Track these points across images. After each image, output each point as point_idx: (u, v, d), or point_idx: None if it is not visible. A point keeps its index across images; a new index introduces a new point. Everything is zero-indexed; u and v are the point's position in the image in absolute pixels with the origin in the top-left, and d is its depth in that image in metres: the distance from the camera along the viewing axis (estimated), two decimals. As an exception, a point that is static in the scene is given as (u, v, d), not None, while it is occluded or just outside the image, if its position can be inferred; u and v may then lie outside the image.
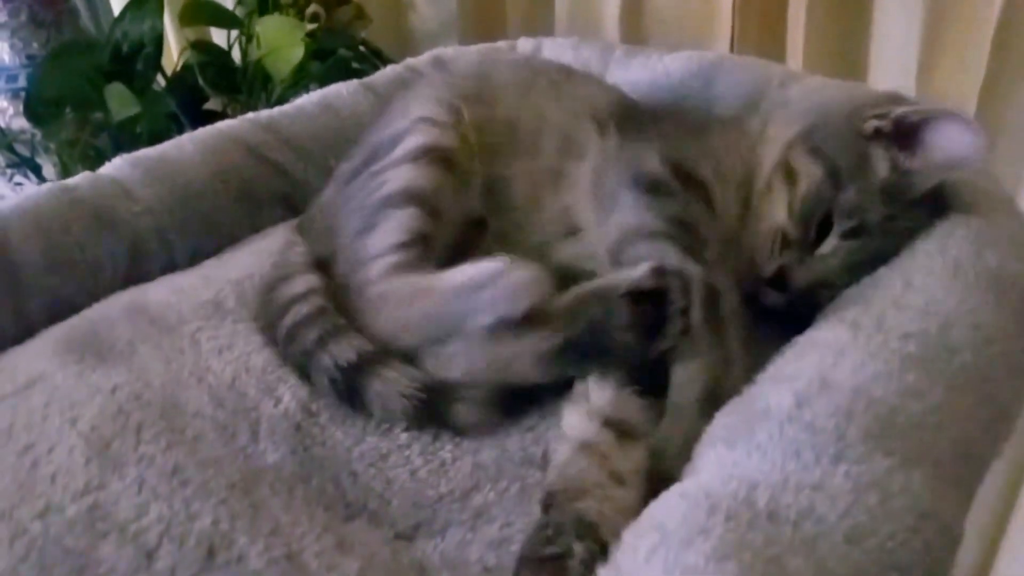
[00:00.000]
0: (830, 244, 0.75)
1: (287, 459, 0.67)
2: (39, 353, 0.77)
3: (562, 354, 0.67)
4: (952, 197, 0.78)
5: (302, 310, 0.75)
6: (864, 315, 0.66)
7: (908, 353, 0.60)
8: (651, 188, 0.77)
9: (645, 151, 0.80)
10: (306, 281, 0.78)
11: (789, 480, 0.52)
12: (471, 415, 0.68)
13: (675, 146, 0.82)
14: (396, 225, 0.76)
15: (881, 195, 0.74)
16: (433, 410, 0.69)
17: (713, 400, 0.62)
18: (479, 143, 0.86)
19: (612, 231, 0.75)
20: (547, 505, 0.58)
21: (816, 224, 0.76)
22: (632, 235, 0.73)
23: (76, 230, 0.88)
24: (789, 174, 0.79)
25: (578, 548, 0.54)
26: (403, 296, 0.70)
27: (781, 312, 0.77)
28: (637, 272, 0.66)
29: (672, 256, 0.69)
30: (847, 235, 0.75)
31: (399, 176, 0.79)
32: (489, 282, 0.66)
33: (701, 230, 0.74)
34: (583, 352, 0.67)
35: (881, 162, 0.76)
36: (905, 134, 0.76)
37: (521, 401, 0.71)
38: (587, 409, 0.66)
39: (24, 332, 0.82)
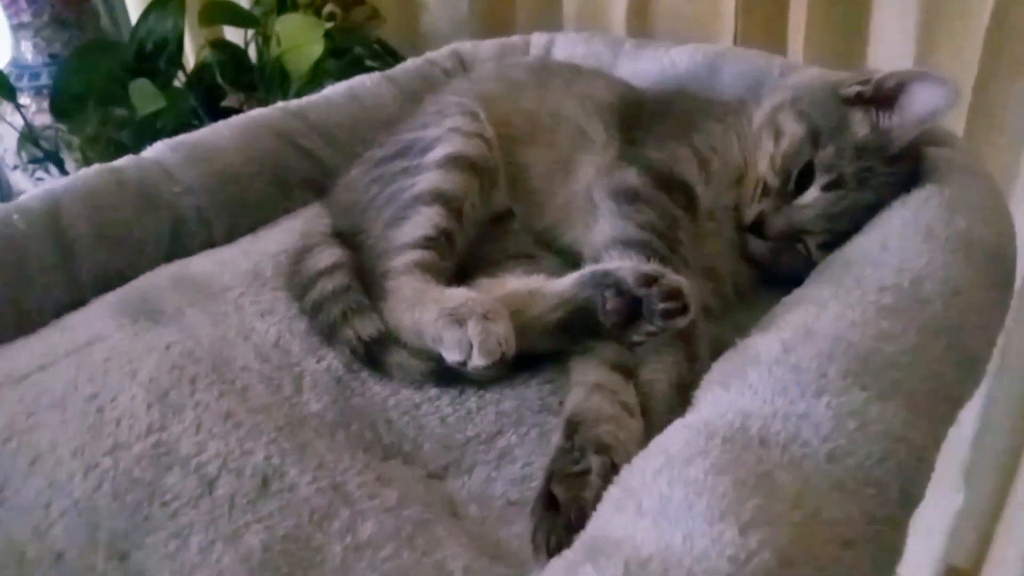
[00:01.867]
0: (810, 196, 0.85)
1: (328, 408, 0.74)
2: (95, 317, 0.84)
3: (559, 329, 0.75)
4: (929, 169, 0.87)
5: (328, 286, 0.82)
6: (845, 275, 0.74)
7: (883, 304, 0.67)
8: (630, 199, 0.84)
9: (627, 166, 0.88)
10: (330, 255, 0.86)
11: (778, 412, 0.59)
12: None
13: (664, 148, 0.90)
14: (424, 220, 0.84)
15: (858, 152, 0.84)
16: (449, 371, 0.75)
17: (680, 400, 0.68)
18: (502, 136, 0.95)
19: (595, 239, 0.83)
20: (570, 432, 0.65)
21: (796, 177, 0.85)
22: (610, 243, 0.80)
23: (123, 208, 0.95)
24: (775, 132, 0.88)
25: (597, 464, 0.61)
26: (408, 299, 0.78)
27: (781, 268, 0.86)
28: (625, 270, 0.73)
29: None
30: (826, 188, 0.84)
31: (428, 179, 0.87)
32: (463, 323, 0.71)
33: (676, 234, 0.81)
34: (576, 328, 0.74)
35: (860, 123, 0.85)
36: (884, 96, 0.85)
37: (538, 357, 0.78)
38: (597, 359, 0.73)
39: (77, 300, 0.89)
